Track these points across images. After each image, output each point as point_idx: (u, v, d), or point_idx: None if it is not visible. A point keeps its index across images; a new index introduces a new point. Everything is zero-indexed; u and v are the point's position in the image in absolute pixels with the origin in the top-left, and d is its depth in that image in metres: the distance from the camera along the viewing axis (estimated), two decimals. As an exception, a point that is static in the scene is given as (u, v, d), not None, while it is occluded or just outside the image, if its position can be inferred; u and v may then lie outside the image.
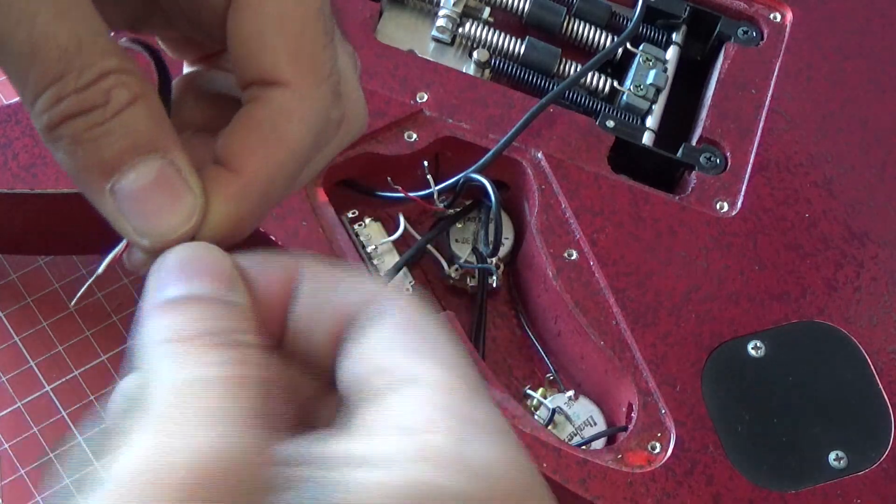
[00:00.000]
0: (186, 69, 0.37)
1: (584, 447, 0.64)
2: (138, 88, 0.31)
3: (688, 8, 0.76)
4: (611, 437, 0.65)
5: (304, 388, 0.32)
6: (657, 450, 0.62)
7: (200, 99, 0.36)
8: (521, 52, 0.74)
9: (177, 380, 0.28)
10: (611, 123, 0.71)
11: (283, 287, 0.31)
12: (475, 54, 0.74)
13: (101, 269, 0.35)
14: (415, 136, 0.69)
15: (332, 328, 0.31)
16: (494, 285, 0.69)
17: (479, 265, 0.69)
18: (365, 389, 0.29)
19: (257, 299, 0.31)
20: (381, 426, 0.28)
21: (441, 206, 0.68)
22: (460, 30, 0.75)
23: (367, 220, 0.69)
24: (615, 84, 0.74)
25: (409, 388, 0.28)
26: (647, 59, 0.74)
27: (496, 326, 0.70)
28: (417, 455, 0.26)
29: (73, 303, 0.34)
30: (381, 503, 0.25)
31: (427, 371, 0.29)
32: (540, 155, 0.69)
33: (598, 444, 0.65)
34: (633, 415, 0.63)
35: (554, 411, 0.66)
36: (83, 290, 0.37)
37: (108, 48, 0.30)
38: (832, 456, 0.63)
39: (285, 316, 0.31)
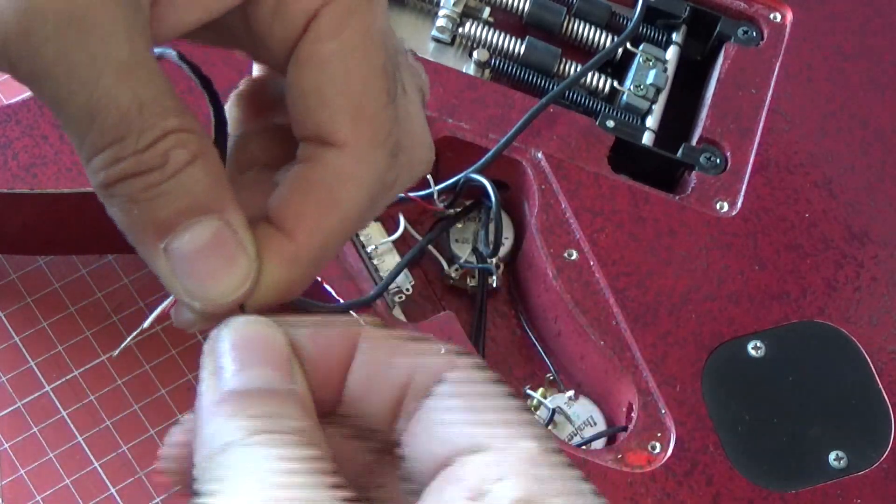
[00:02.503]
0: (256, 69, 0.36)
1: (584, 447, 0.64)
2: (197, 147, 0.30)
3: (688, 8, 0.76)
4: (611, 437, 0.65)
5: (360, 455, 0.32)
6: (657, 450, 0.62)
7: (262, 135, 0.35)
8: (521, 52, 0.74)
9: (261, 476, 0.28)
10: (611, 123, 0.71)
11: (341, 356, 0.31)
12: (475, 54, 0.74)
13: (147, 324, 0.34)
14: (415, 136, 0.69)
15: (390, 396, 0.30)
16: (494, 285, 0.69)
17: (479, 265, 0.69)
18: (440, 461, 0.29)
19: (314, 370, 0.31)
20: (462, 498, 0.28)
21: (441, 206, 0.68)
22: (460, 30, 0.75)
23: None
24: (615, 84, 0.74)
25: (484, 456, 0.28)
26: (647, 59, 0.74)
27: (496, 326, 0.70)
28: None
29: (115, 354, 0.34)
30: None
31: (503, 440, 0.29)
32: (540, 155, 0.69)
33: (599, 444, 0.65)
34: (633, 415, 0.63)
35: (554, 411, 0.66)
36: (125, 343, 0.37)
37: (169, 107, 0.30)
38: (832, 456, 0.63)
39: (342, 383, 0.31)
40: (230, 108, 0.35)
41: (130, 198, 0.30)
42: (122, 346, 0.36)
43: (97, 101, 0.29)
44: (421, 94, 0.36)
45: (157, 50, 0.32)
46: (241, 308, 0.32)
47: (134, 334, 0.35)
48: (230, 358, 0.30)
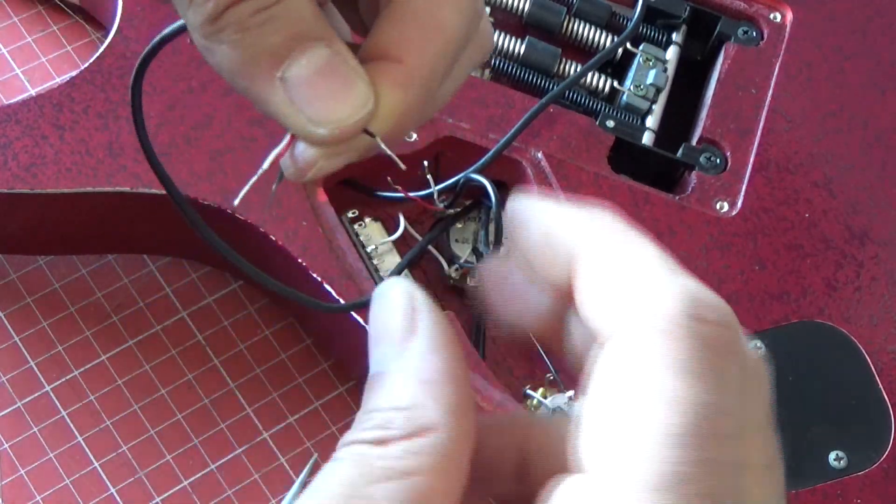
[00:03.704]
0: None
1: (584, 447, 0.64)
2: None
3: (688, 8, 0.76)
4: (611, 437, 0.65)
5: None
6: (657, 450, 0.62)
7: None
8: (521, 52, 0.74)
9: None
10: (611, 123, 0.71)
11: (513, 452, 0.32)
12: (475, 54, 0.74)
13: (266, 165, 0.33)
14: (414, 135, 0.69)
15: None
16: (494, 285, 0.69)
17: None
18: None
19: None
20: None
21: (441, 206, 0.68)
22: (460, 30, 0.75)
23: (367, 220, 0.69)
24: (615, 84, 0.74)
25: None
26: (647, 59, 0.74)
27: (496, 326, 0.70)
28: None
29: (236, 201, 0.33)
30: None
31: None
32: (540, 155, 0.69)
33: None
34: (633, 415, 0.63)
35: (554, 411, 0.66)
36: (247, 188, 0.35)
37: None
38: (832, 456, 0.63)
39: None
40: None
41: (241, 26, 0.30)
42: (242, 193, 0.35)
43: None
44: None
45: None
46: (366, 132, 0.32)
47: (255, 177, 0.34)
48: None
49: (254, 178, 0.34)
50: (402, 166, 0.35)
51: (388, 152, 0.32)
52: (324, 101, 0.31)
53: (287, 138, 0.33)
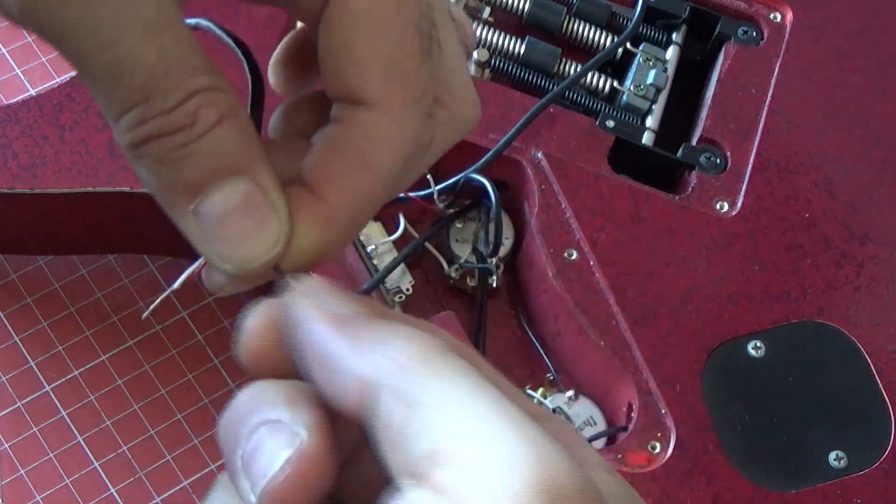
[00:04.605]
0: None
1: (584, 447, 0.64)
2: (226, 107, 0.30)
3: (688, 8, 0.76)
4: (611, 437, 0.65)
5: None
6: (657, 450, 0.62)
7: (303, 103, 0.35)
8: (521, 52, 0.74)
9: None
10: (611, 123, 0.71)
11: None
12: (475, 54, 0.74)
13: (177, 285, 0.34)
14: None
15: None
16: (494, 285, 0.69)
17: (479, 265, 0.69)
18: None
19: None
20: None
21: (441, 206, 0.68)
22: (460, 30, 0.75)
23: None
24: (615, 84, 0.74)
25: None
26: (647, 59, 0.74)
27: (496, 326, 0.70)
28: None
29: (144, 315, 0.33)
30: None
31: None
32: (540, 155, 0.69)
33: (599, 444, 0.65)
34: (633, 415, 0.63)
35: (554, 411, 0.66)
36: (156, 303, 0.36)
37: (197, 66, 0.29)
38: (832, 456, 0.63)
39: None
40: (270, 72, 0.35)
41: (158, 159, 0.29)
42: (149, 310, 0.36)
43: (122, 60, 0.28)
44: (464, 48, 0.34)
45: (191, 21, 0.32)
46: (275, 270, 0.31)
47: (166, 293, 0.35)
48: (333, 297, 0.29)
49: (166, 293, 0.36)
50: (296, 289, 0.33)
51: (292, 285, 0.30)
52: (232, 241, 0.30)
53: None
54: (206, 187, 0.30)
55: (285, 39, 0.35)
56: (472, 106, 0.34)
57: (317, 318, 0.29)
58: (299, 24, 0.35)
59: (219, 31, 0.34)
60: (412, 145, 0.32)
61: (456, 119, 0.34)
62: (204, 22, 0.34)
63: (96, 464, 0.66)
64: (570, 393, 0.67)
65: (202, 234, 0.30)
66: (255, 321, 0.30)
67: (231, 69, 0.31)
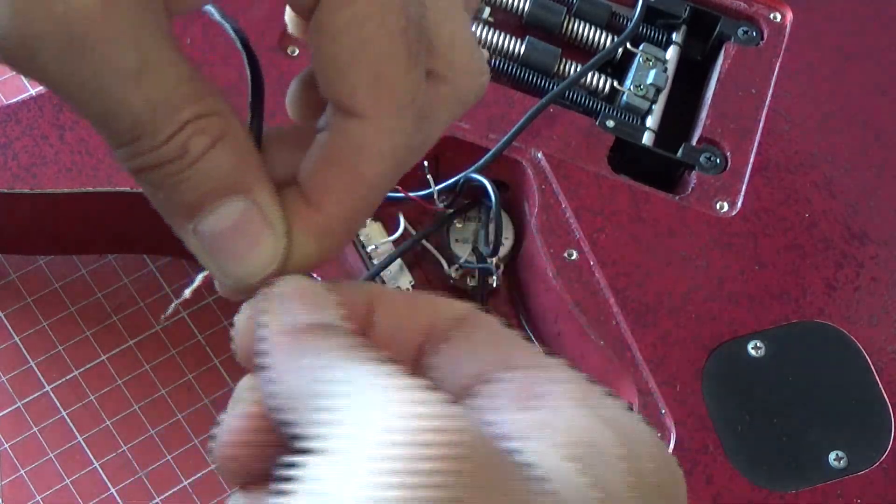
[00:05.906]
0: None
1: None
2: (219, 130, 0.30)
3: (688, 8, 0.76)
4: (611, 437, 0.65)
5: None
6: (657, 450, 0.62)
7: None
8: (521, 52, 0.74)
9: (361, 382, 0.28)
10: (611, 123, 0.71)
11: (361, 313, 0.31)
12: (475, 54, 0.74)
13: (188, 293, 0.35)
14: (415, 136, 0.69)
15: (412, 344, 0.31)
16: (494, 285, 0.69)
17: (479, 265, 0.69)
18: (468, 380, 0.29)
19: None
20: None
21: (441, 206, 0.68)
22: (460, 30, 0.75)
23: (367, 220, 0.69)
24: (615, 84, 0.74)
25: (525, 373, 0.29)
26: (647, 59, 0.74)
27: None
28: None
29: (160, 323, 0.34)
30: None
31: (537, 363, 0.30)
32: (540, 155, 0.69)
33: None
34: (633, 415, 0.63)
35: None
36: (170, 309, 0.37)
37: (186, 96, 0.30)
38: (832, 456, 0.63)
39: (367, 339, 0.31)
40: (287, 103, 0.35)
41: (155, 185, 0.30)
42: (169, 310, 0.37)
43: (108, 109, 0.29)
44: (470, 12, 0.34)
45: None
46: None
47: (177, 302, 0.35)
48: (297, 302, 0.30)
49: (179, 300, 0.37)
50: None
51: (270, 285, 0.32)
52: (230, 258, 0.31)
53: None
54: (203, 208, 0.31)
55: (302, 73, 0.35)
56: (478, 76, 0.34)
57: (269, 324, 0.30)
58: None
59: (219, 18, 0.35)
60: (403, 151, 0.32)
61: (459, 92, 0.34)
62: (207, 7, 0.34)
63: (96, 464, 0.66)
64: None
65: (203, 251, 0.31)
66: (242, 317, 0.31)
67: (232, 57, 0.32)
